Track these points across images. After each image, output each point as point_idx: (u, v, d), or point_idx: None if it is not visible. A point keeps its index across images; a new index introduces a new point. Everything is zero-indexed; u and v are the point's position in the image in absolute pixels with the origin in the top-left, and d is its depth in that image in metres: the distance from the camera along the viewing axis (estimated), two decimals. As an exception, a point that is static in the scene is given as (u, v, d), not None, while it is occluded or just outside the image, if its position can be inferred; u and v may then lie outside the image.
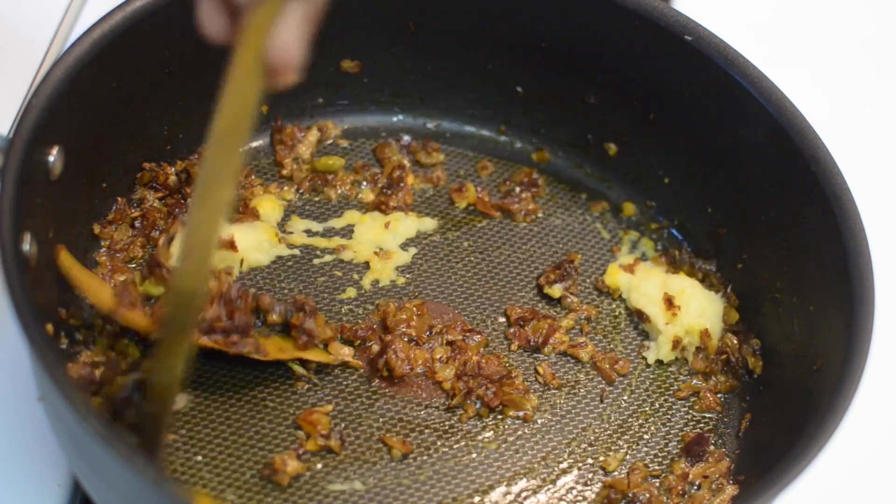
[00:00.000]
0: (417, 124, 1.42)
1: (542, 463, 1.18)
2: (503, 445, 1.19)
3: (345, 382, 1.20)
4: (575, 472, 1.19)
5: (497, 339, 1.27)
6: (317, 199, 1.34)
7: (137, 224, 1.26)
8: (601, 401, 1.24)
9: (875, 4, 1.79)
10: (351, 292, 1.27)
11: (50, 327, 1.09)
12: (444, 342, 1.23)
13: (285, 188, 1.34)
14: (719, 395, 1.26)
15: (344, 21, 1.34)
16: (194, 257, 1.00)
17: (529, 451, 1.19)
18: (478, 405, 1.20)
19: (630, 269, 1.32)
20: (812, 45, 1.71)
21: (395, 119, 1.42)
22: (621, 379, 1.26)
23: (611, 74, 1.36)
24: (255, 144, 1.35)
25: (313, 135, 1.37)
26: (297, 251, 1.29)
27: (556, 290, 1.30)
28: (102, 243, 1.23)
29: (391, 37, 1.37)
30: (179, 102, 1.29)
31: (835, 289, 1.16)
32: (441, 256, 1.32)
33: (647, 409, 1.24)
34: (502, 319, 1.28)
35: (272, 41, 0.90)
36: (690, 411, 1.25)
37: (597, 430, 1.22)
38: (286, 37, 0.90)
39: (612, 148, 1.40)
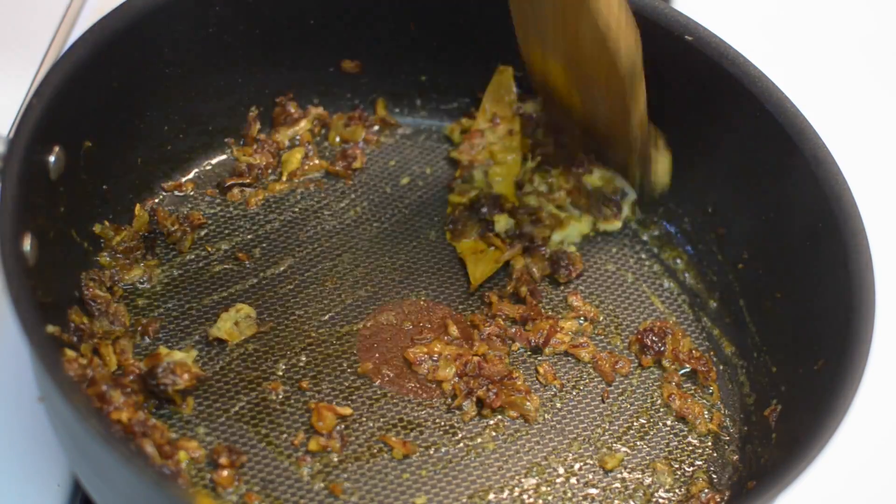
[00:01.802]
0: (417, 124, 1.43)
1: (543, 463, 1.18)
2: (504, 445, 1.19)
3: (345, 383, 1.20)
4: (576, 472, 1.19)
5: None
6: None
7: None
8: (602, 401, 1.24)
9: (875, 4, 1.79)
10: (351, 292, 1.27)
11: (50, 327, 1.09)
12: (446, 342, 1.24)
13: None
14: (720, 396, 1.27)
15: (344, 21, 1.34)
16: (616, 38, 1.14)
17: (530, 452, 1.19)
18: (479, 406, 1.20)
19: None
20: (812, 45, 1.71)
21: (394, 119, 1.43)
22: (622, 379, 1.26)
23: (611, 74, 1.36)
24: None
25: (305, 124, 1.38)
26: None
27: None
28: (103, 243, 1.23)
29: (391, 37, 1.37)
30: (179, 102, 1.29)
31: (835, 289, 1.16)
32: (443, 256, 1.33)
33: (648, 408, 1.24)
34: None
35: None
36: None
37: (597, 430, 1.22)
38: None
39: (613, 148, 1.40)
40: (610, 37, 1.17)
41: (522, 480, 1.17)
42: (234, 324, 1.21)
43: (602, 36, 1.16)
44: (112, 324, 1.18)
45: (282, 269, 1.28)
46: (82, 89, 1.13)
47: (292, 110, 1.37)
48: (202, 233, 1.29)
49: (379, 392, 1.20)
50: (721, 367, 1.29)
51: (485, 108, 1.39)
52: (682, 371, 1.28)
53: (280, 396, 1.18)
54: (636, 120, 1.27)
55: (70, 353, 1.12)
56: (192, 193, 1.31)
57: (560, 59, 1.25)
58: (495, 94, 1.39)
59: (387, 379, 1.21)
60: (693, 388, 1.27)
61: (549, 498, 1.16)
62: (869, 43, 1.73)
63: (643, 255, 1.37)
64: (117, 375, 1.13)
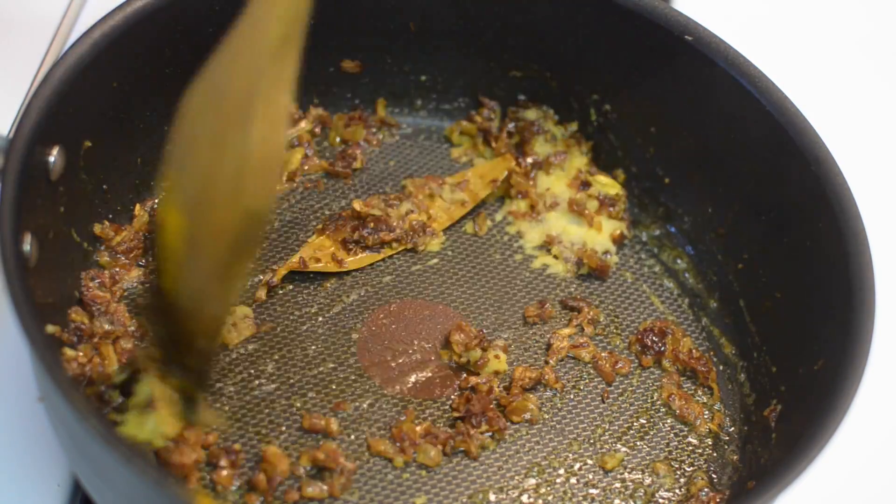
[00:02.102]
0: (417, 124, 1.43)
1: (543, 463, 1.18)
2: (504, 445, 1.19)
3: (346, 383, 1.20)
4: (576, 472, 1.19)
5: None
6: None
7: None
8: (602, 401, 1.24)
9: (874, 4, 1.79)
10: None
11: (50, 327, 1.09)
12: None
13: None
14: (720, 396, 1.27)
15: (344, 21, 1.34)
16: (259, 175, 0.97)
17: (530, 452, 1.19)
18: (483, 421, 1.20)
19: None
20: (812, 45, 1.71)
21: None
22: (622, 379, 1.26)
23: (611, 75, 1.36)
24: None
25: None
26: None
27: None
28: (103, 244, 1.23)
29: (391, 37, 1.37)
30: (180, 102, 1.29)
31: (835, 288, 1.16)
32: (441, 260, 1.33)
33: (648, 408, 1.24)
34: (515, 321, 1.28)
35: None
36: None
37: (597, 430, 1.22)
38: None
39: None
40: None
41: (522, 480, 1.17)
42: (232, 324, 1.21)
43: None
44: (112, 324, 1.18)
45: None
46: (82, 89, 1.13)
47: (292, 110, 1.37)
48: (202, 233, 1.29)
49: (378, 392, 1.20)
50: (721, 367, 1.29)
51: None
52: (682, 371, 1.28)
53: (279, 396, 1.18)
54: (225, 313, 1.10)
55: (70, 352, 1.12)
56: (192, 193, 1.31)
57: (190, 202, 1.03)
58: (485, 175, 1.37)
59: (386, 378, 1.21)
60: (693, 388, 1.27)
61: (549, 498, 1.16)
62: (869, 42, 1.73)
63: (643, 255, 1.37)
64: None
